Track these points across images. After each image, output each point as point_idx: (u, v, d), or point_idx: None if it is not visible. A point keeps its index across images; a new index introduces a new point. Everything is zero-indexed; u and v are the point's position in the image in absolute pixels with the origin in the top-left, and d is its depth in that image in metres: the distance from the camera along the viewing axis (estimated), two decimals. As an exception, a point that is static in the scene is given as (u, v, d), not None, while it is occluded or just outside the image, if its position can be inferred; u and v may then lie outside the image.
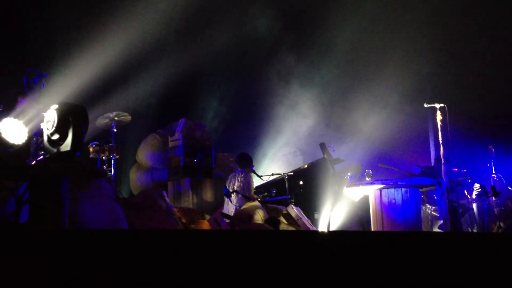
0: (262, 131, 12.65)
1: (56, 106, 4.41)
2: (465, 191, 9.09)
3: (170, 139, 9.92)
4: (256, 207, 7.40)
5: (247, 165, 8.32)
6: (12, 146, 4.72)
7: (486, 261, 3.32)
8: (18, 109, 6.26)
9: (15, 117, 4.83)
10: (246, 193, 7.93)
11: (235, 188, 8.00)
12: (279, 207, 8.05)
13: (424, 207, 8.72)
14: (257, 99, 12.57)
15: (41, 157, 5.03)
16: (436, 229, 8.62)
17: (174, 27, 10.79)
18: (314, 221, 8.15)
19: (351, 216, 8.56)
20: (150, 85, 11.28)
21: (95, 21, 9.45)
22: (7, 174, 4.53)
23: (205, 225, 8.00)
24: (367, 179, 7.48)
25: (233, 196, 7.89)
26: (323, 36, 11.73)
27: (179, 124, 10.14)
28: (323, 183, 8.68)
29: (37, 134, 5.47)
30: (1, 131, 4.64)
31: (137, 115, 10.75)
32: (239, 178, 8.09)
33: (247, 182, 8.09)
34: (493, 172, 10.21)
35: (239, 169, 8.30)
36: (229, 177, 8.32)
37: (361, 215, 8.45)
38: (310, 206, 8.49)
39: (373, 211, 7.04)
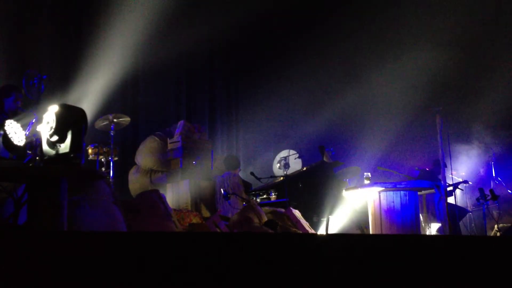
0: (260, 134, 12.67)
1: (54, 107, 4.40)
2: (464, 195, 9.10)
3: (169, 141, 9.91)
4: (254, 210, 7.41)
5: (234, 167, 8.52)
6: (16, 147, 4.72)
7: (485, 265, 3.32)
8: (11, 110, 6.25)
9: (14, 119, 4.82)
10: (238, 193, 8.05)
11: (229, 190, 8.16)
12: (278, 209, 8.06)
13: (422, 210, 8.72)
14: (256, 101, 12.58)
15: (39, 158, 5.03)
16: (434, 232, 8.62)
17: (173, 26, 10.78)
18: (312, 224, 8.15)
19: (349, 219, 8.57)
20: (150, 86, 11.26)
21: (94, 22, 9.46)
22: (6, 176, 4.52)
23: (204, 227, 7.99)
24: (366, 182, 7.48)
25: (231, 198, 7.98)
26: (322, 39, 11.75)
27: (178, 126, 10.12)
28: (322, 186, 8.69)
29: (34, 135, 5.46)
30: (8, 132, 4.63)
31: (136, 117, 10.74)
32: (228, 181, 8.21)
33: (236, 183, 8.23)
34: (493, 175, 10.20)
35: (226, 172, 8.47)
36: (217, 181, 8.44)
37: (360, 218, 8.45)
38: (309, 209, 8.49)
39: (371, 214, 7.04)
